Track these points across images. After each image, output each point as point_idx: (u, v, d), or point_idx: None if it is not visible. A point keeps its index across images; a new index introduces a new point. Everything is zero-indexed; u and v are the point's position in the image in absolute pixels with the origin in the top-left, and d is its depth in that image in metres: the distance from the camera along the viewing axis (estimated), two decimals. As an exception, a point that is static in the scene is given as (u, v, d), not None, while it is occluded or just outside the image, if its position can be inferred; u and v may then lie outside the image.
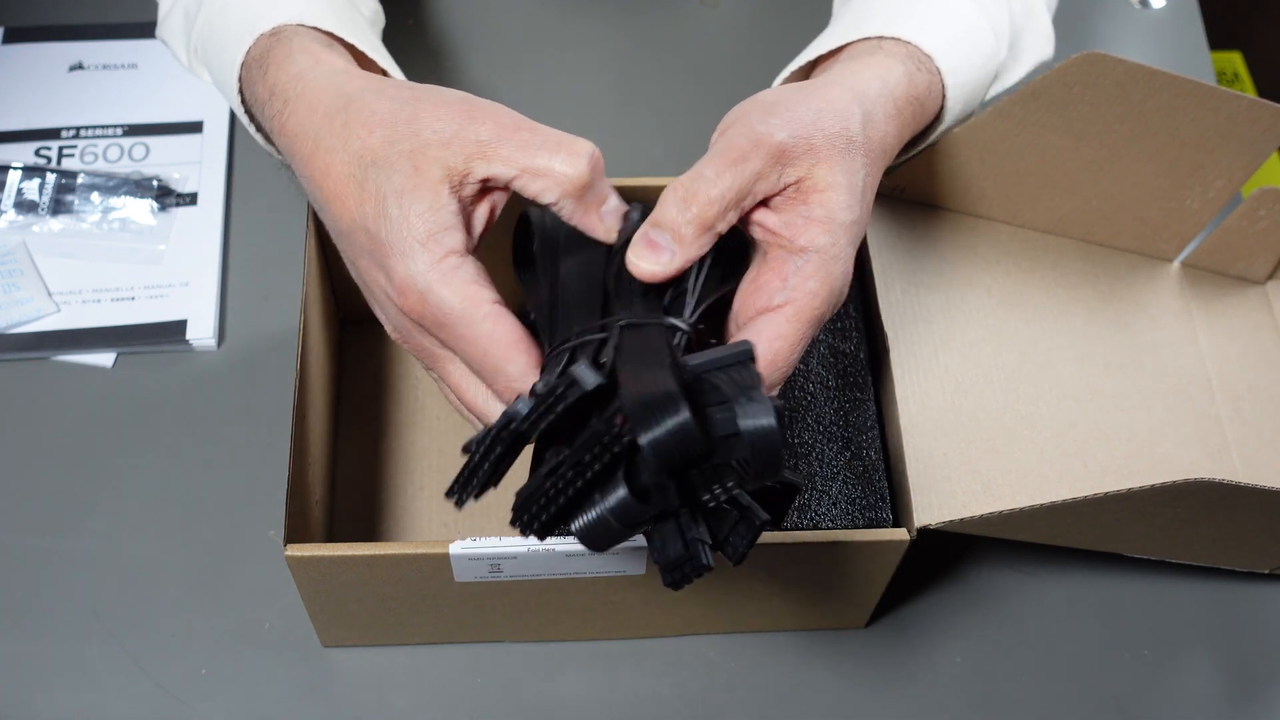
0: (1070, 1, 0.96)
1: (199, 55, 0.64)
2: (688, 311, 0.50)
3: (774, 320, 0.52)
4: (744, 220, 0.54)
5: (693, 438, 0.42)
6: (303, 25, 0.59)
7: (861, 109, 0.56)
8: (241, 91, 0.60)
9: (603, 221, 0.52)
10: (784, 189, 0.53)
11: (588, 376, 0.44)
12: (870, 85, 0.59)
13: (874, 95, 0.58)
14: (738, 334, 0.53)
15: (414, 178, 0.50)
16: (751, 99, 0.57)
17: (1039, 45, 0.69)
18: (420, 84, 0.54)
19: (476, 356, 0.51)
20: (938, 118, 0.65)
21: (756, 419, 0.42)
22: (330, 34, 0.59)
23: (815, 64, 0.65)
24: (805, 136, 0.53)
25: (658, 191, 0.71)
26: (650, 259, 0.51)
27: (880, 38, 0.62)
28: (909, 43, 0.62)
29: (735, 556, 0.47)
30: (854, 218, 0.53)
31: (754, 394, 0.42)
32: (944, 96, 0.64)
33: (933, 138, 0.66)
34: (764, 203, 0.54)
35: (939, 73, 0.63)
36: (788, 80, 0.67)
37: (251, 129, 0.62)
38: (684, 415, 0.41)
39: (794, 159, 0.53)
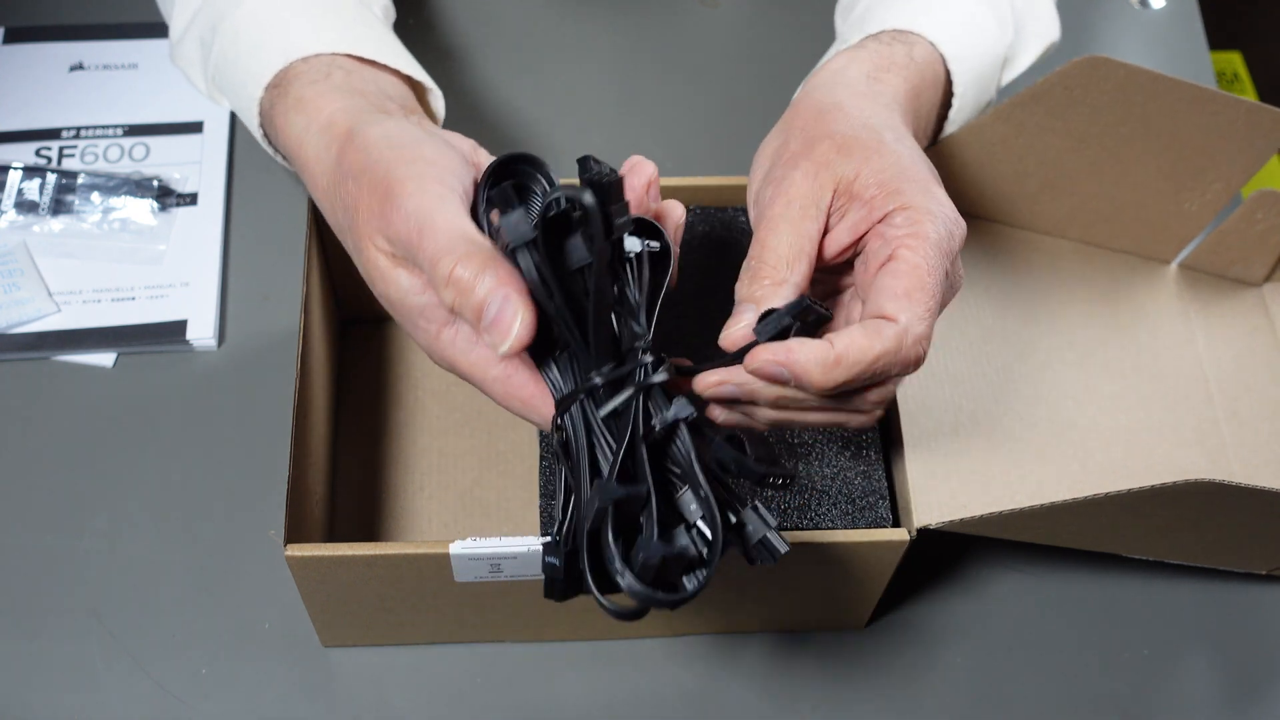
0: (1070, 1, 0.96)
1: (217, 84, 0.65)
2: (641, 324, 0.51)
3: (891, 264, 0.51)
4: (829, 264, 0.55)
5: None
6: (303, 59, 0.59)
7: (845, 94, 0.57)
8: (266, 133, 0.62)
9: (498, 324, 0.48)
10: (831, 207, 0.54)
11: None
12: (841, 76, 0.60)
13: (849, 80, 0.60)
14: (866, 301, 0.53)
15: (373, 265, 0.53)
16: (756, 169, 0.59)
17: (1045, 28, 0.70)
18: (379, 139, 0.54)
19: (501, 405, 0.53)
20: (949, 98, 0.65)
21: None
22: (340, 54, 0.60)
23: None
24: (810, 160, 0.54)
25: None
26: (735, 324, 0.52)
27: (878, 34, 0.63)
28: (886, 30, 0.63)
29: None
30: (903, 165, 0.54)
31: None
32: (944, 63, 0.64)
33: (953, 116, 0.67)
34: (827, 230, 0.55)
35: (923, 39, 0.63)
36: None
37: (281, 161, 0.64)
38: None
39: (816, 181, 0.54)
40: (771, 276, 0.52)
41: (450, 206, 0.50)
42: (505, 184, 0.51)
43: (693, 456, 0.48)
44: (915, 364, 0.52)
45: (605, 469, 0.48)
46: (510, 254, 0.49)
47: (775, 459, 0.50)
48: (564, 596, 0.49)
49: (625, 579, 0.45)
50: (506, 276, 0.48)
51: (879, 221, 0.53)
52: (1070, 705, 0.70)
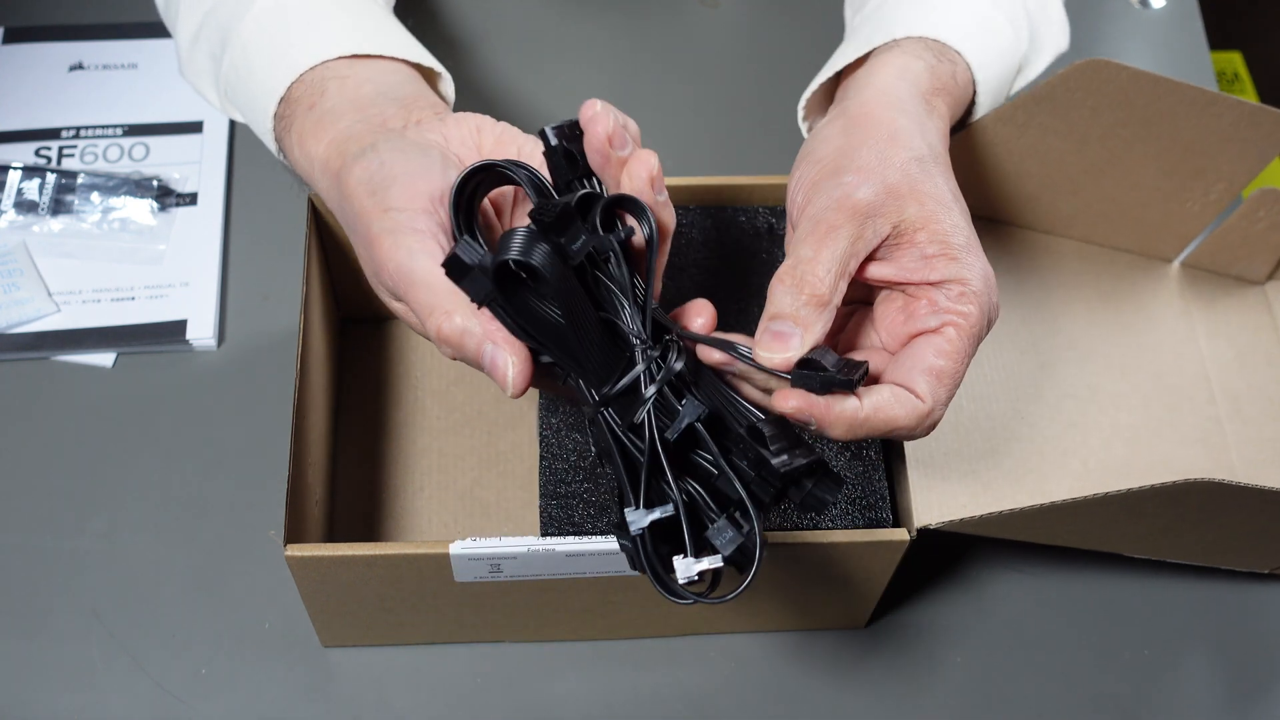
0: (1070, 2, 0.96)
1: (229, 98, 0.64)
2: (635, 325, 0.51)
3: (935, 339, 0.53)
4: (857, 280, 0.54)
5: None
6: (299, 78, 0.59)
7: (909, 120, 0.57)
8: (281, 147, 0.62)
9: (494, 373, 0.50)
10: (883, 241, 0.53)
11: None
12: (899, 90, 0.59)
13: (908, 99, 0.59)
14: (893, 360, 0.54)
15: (389, 304, 0.54)
16: (810, 157, 0.57)
17: (1056, 37, 0.70)
18: (360, 185, 0.53)
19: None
20: (969, 111, 0.65)
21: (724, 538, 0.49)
22: (347, 56, 0.60)
23: (839, 76, 0.65)
24: (883, 184, 0.54)
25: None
26: (779, 348, 0.51)
27: (900, 39, 0.62)
28: (932, 40, 0.62)
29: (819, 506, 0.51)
30: (965, 233, 0.54)
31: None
32: (974, 88, 0.64)
33: (968, 125, 0.67)
34: (871, 257, 0.54)
35: (963, 62, 0.63)
36: (813, 97, 0.67)
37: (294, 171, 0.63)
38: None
39: (880, 211, 0.53)
40: (815, 292, 0.51)
41: (425, 257, 0.51)
42: (451, 254, 0.50)
43: (717, 453, 0.49)
44: (921, 436, 0.54)
45: (640, 469, 0.50)
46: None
47: (797, 442, 0.50)
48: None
49: (673, 587, 0.49)
50: (490, 325, 0.49)
51: (933, 284, 0.53)
52: (1070, 705, 0.70)
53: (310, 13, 0.61)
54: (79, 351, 0.76)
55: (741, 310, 0.68)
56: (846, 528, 0.63)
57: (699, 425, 0.49)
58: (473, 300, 0.50)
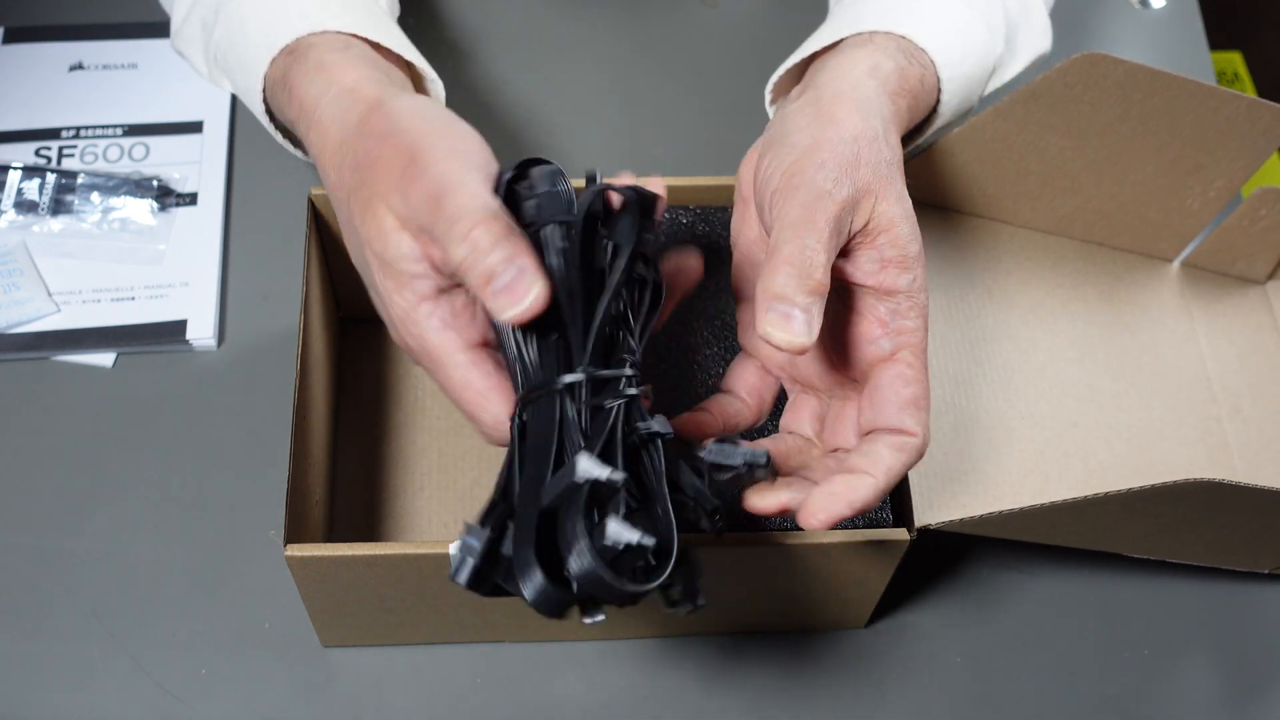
0: (1070, 1, 0.96)
1: (219, 64, 0.64)
2: (636, 341, 0.51)
3: (896, 367, 0.54)
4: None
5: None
6: (319, 33, 0.59)
7: (879, 122, 0.57)
8: (269, 107, 0.61)
9: (492, 299, 0.49)
10: (854, 235, 0.54)
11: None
12: (868, 89, 0.59)
13: (875, 99, 0.58)
14: (861, 388, 0.55)
15: (375, 224, 0.52)
16: (784, 141, 0.56)
17: (1036, 40, 0.69)
18: (409, 110, 0.54)
19: (453, 397, 0.53)
20: (933, 112, 0.65)
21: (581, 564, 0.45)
22: (348, 34, 0.60)
23: (810, 60, 0.65)
24: (863, 181, 0.54)
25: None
26: (789, 329, 0.51)
27: (873, 33, 0.62)
28: (902, 36, 0.62)
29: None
30: (918, 244, 0.55)
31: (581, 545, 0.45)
32: (939, 90, 0.64)
33: (929, 133, 0.67)
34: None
35: (933, 65, 0.63)
36: (782, 79, 0.67)
37: (279, 137, 0.63)
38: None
39: (858, 205, 0.54)
40: (815, 280, 0.51)
41: (475, 180, 0.50)
42: (544, 167, 0.51)
43: (662, 473, 0.49)
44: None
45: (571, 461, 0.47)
46: (533, 232, 0.50)
47: (731, 494, 0.50)
48: (474, 584, 0.47)
49: (583, 560, 0.45)
50: (525, 248, 0.49)
51: (884, 294, 0.54)
52: (1070, 705, 0.70)
53: None
54: (79, 351, 0.76)
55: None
56: (846, 528, 0.63)
57: (660, 442, 0.49)
58: (542, 218, 0.50)
